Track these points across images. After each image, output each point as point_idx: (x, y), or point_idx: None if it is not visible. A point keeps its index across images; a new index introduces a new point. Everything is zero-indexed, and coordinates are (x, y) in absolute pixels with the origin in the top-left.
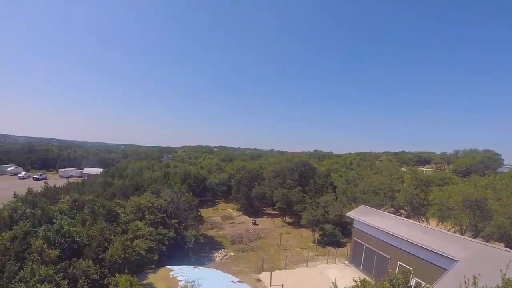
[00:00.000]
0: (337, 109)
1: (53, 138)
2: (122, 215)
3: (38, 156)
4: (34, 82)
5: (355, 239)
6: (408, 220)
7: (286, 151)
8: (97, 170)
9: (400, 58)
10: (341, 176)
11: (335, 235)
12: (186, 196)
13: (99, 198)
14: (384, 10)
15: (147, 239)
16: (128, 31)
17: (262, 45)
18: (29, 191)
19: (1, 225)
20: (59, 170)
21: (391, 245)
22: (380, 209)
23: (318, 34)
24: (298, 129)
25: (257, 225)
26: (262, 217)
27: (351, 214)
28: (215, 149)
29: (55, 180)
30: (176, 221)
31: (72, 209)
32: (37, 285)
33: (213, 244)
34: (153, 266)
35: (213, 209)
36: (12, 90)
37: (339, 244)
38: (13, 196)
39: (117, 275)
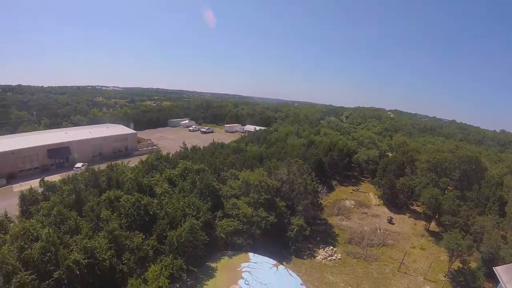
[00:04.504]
0: None
1: (235, 95)
2: (227, 187)
3: (211, 111)
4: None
5: None
6: None
7: (468, 125)
8: (254, 128)
9: None
10: None
11: (477, 278)
12: (304, 178)
13: (211, 167)
14: None
15: (239, 220)
16: None
17: None
18: (157, 154)
19: (112, 187)
20: (225, 125)
21: None
22: None
23: None
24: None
25: (393, 224)
26: (404, 213)
27: (499, 270)
28: (389, 113)
29: (220, 134)
30: (285, 204)
31: (181, 176)
32: (83, 241)
33: (327, 236)
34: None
35: (353, 189)
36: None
37: None
38: (140, 160)
39: (164, 258)
